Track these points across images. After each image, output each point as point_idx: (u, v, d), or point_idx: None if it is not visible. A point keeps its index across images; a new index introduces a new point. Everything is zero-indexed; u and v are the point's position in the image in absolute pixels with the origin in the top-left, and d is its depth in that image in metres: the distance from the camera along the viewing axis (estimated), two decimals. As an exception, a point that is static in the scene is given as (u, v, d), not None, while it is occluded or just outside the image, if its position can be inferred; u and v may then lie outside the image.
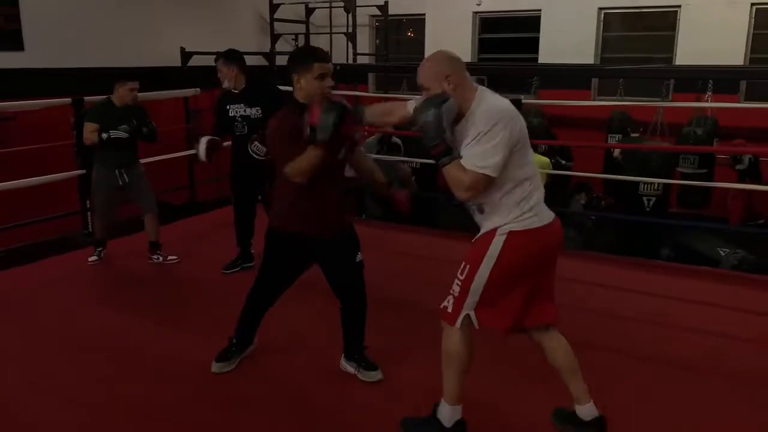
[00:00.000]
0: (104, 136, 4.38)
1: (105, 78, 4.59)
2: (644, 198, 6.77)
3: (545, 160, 7.13)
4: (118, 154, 4.53)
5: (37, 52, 6.74)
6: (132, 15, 7.81)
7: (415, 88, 9.80)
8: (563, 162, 8.02)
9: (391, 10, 10.17)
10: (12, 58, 6.62)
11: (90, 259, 4.81)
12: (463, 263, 2.46)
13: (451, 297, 2.48)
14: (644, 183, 6.33)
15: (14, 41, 6.75)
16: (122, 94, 4.51)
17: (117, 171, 4.57)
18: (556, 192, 7.61)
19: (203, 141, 4.25)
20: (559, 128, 8.55)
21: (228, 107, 4.41)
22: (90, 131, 4.42)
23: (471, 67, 9.77)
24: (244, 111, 4.37)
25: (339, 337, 3.15)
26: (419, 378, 3.10)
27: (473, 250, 2.45)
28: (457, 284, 2.45)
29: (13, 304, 4.07)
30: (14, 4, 6.71)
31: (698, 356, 3.47)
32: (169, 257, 4.81)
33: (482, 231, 2.46)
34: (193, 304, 4.11)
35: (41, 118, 5.91)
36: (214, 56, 4.56)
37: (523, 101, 5.57)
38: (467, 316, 2.46)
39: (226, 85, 4.43)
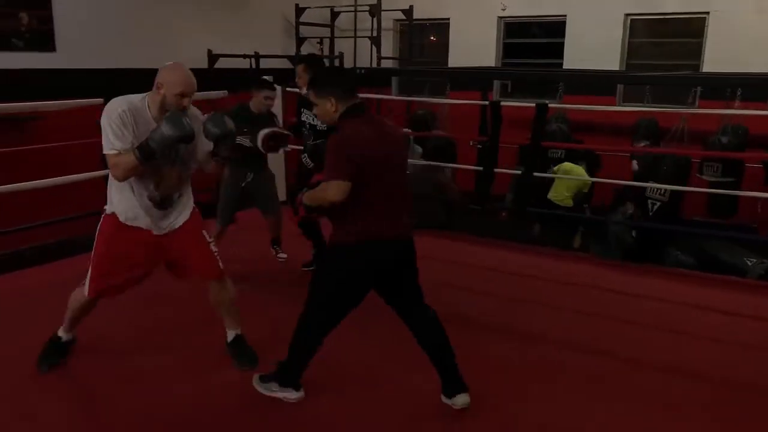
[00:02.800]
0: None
1: (134, 78, 4.65)
2: (649, 201, 6.67)
3: (577, 168, 7.02)
4: (245, 155, 4.29)
5: (69, 53, 6.88)
6: (161, 18, 7.94)
7: (437, 92, 9.81)
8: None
9: (416, 15, 10.18)
10: (44, 59, 6.78)
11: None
12: (202, 232, 3.13)
13: (217, 254, 3.16)
14: (651, 187, 6.26)
15: (46, 42, 6.92)
16: (257, 101, 4.41)
17: (245, 172, 4.51)
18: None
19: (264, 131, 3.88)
20: (583, 134, 8.49)
21: (302, 110, 4.31)
22: None
23: (495, 72, 9.71)
24: (313, 120, 4.20)
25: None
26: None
27: (197, 219, 3.13)
28: (215, 245, 3.19)
29: (19, 305, 4.07)
30: (47, 7, 6.88)
31: (716, 365, 3.45)
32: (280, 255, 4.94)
33: (188, 211, 3.08)
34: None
35: (71, 117, 6.02)
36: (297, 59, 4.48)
37: (549, 105, 5.51)
38: None
39: (304, 91, 4.25)
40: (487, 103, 5.85)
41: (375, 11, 9.75)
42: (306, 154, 4.19)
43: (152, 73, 4.31)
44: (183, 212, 3.09)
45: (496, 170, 5.65)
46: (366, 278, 2.78)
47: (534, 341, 3.70)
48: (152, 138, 2.69)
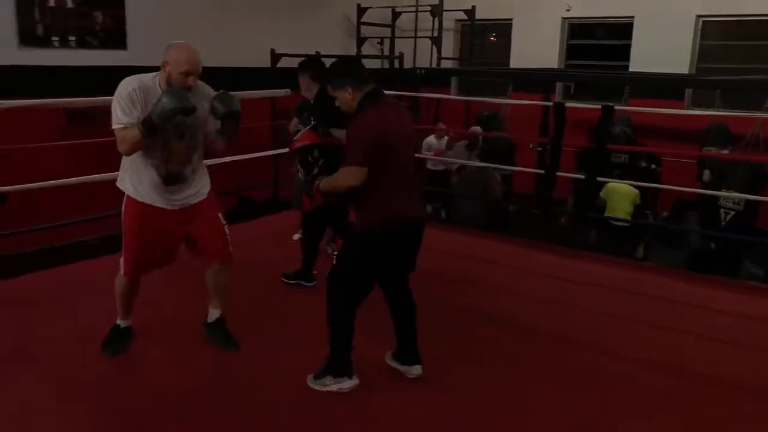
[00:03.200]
0: (298, 128, 4.36)
1: (203, 76, 4.76)
2: (722, 210, 6.37)
3: (632, 192, 6.76)
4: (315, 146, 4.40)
5: (139, 51, 7.12)
6: (226, 18, 8.14)
7: (498, 93, 9.63)
8: (653, 166, 7.67)
9: (478, 15, 10.10)
10: (116, 56, 7.04)
11: (294, 236, 5.04)
12: (218, 215, 3.18)
13: (228, 239, 3.20)
14: (725, 195, 5.99)
15: (118, 41, 7.19)
16: None
17: None
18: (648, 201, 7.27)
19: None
20: (648, 138, 8.23)
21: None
22: (292, 123, 4.53)
23: (558, 74, 9.49)
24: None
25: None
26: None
27: (214, 201, 3.20)
28: (227, 227, 3.21)
29: (84, 292, 4.09)
30: (120, 7, 7.14)
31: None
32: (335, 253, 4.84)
33: (205, 190, 3.16)
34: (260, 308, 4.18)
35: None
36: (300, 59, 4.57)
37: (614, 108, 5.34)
38: None
39: (303, 93, 4.32)
40: (551, 104, 5.73)
41: (437, 11, 9.72)
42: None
43: (217, 71, 4.43)
44: (199, 191, 3.14)
45: (558, 173, 5.52)
46: (385, 260, 2.93)
47: (586, 348, 3.61)
48: (153, 111, 2.74)
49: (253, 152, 6.13)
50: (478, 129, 8.04)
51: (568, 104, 5.61)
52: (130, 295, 3.27)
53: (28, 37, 6.54)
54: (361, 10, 9.87)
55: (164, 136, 2.89)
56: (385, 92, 2.96)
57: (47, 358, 3.26)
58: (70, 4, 6.81)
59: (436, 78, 9.99)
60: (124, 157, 3.02)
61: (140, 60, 7.16)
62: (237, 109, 2.95)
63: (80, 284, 4.22)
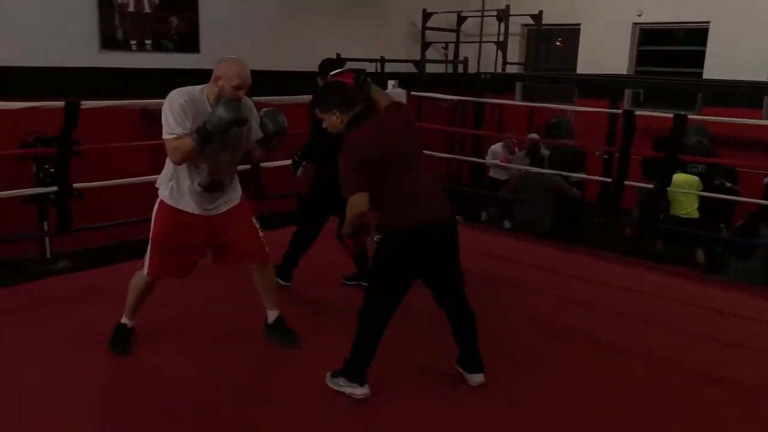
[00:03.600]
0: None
1: (270, 80, 4.87)
2: None
3: (693, 179, 6.50)
4: None
5: (211, 55, 7.34)
6: (294, 22, 8.31)
7: (564, 99, 9.45)
8: (728, 184, 7.34)
9: (546, 20, 9.94)
10: (189, 60, 7.28)
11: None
12: (251, 218, 3.31)
13: (263, 240, 3.33)
14: None
15: (191, 44, 7.45)
16: None
17: None
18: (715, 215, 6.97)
19: None
20: (723, 148, 7.89)
21: None
22: None
23: (627, 80, 9.22)
24: None
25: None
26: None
27: (246, 206, 3.33)
28: (261, 231, 3.33)
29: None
30: (194, 12, 7.40)
31: None
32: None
33: (237, 196, 3.25)
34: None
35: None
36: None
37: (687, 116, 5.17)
38: None
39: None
40: (619, 112, 5.59)
41: (503, 16, 9.63)
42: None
43: (285, 75, 4.53)
44: (232, 198, 3.22)
45: (626, 183, 5.37)
46: (409, 263, 2.89)
47: (611, 351, 3.62)
48: (209, 121, 2.84)
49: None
50: (535, 136, 7.93)
51: (638, 112, 5.46)
52: (144, 296, 3.32)
53: (108, 41, 6.86)
54: (426, 15, 9.88)
55: (214, 147, 2.96)
56: (399, 100, 3.09)
57: (51, 357, 3.28)
58: (147, 9, 7.10)
59: (500, 83, 9.89)
60: (167, 163, 3.09)
61: (212, 63, 7.36)
62: (285, 126, 3.09)
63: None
